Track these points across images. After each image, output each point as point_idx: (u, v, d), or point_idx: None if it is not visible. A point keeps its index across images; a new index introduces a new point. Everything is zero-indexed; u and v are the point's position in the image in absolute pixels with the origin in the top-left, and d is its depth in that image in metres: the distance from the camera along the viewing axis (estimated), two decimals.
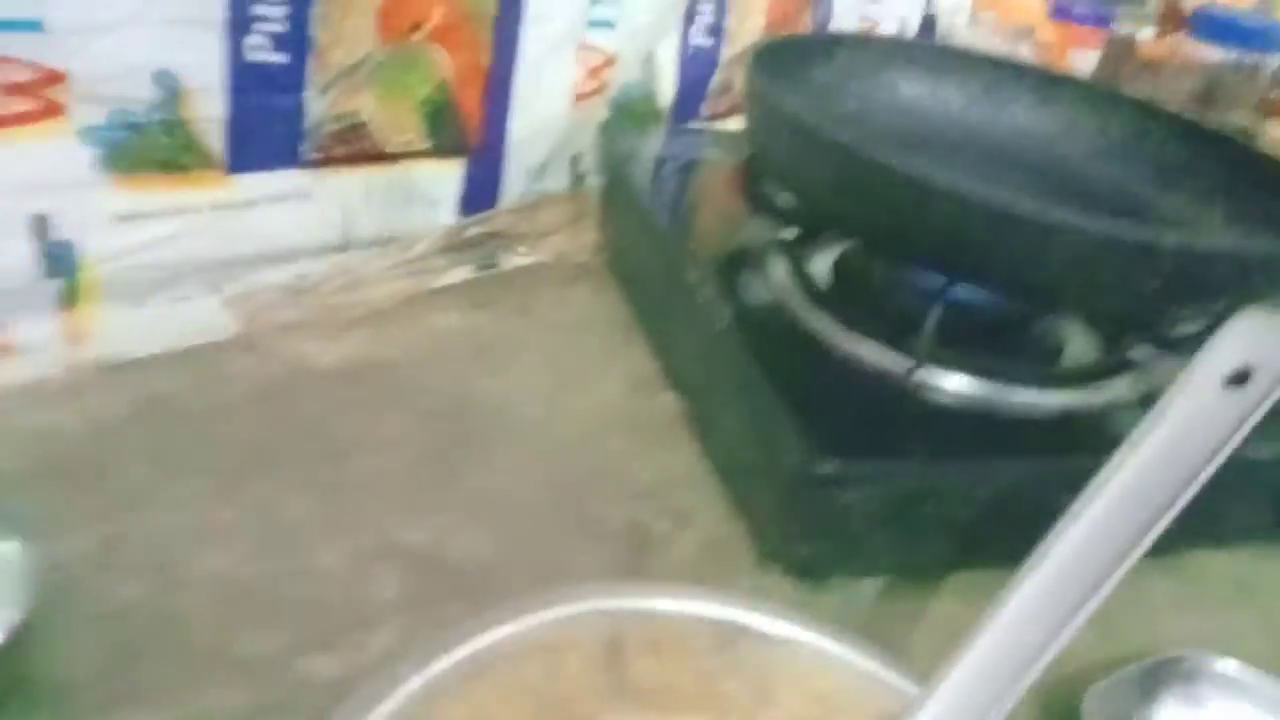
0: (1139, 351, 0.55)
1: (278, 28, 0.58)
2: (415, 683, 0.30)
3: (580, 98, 0.77)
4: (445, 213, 0.73)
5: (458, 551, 0.50)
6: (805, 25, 0.92)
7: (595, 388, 0.64)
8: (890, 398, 0.50)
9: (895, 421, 0.49)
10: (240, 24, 0.56)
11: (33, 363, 0.54)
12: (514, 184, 0.76)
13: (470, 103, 0.70)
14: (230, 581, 0.46)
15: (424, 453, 0.55)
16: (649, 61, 0.82)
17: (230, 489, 0.50)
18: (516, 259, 0.77)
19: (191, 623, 0.44)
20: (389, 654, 0.44)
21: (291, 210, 0.64)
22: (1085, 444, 0.50)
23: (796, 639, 0.37)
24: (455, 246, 0.74)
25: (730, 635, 0.37)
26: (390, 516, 0.51)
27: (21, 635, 0.39)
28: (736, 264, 0.63)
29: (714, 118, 0.89)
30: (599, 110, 0.79)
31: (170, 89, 0.57)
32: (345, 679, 0.43)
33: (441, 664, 0.31)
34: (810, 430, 0.45)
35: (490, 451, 0.56)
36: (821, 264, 0.60)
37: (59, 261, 0.57)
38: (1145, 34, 1.25)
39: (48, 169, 0.55)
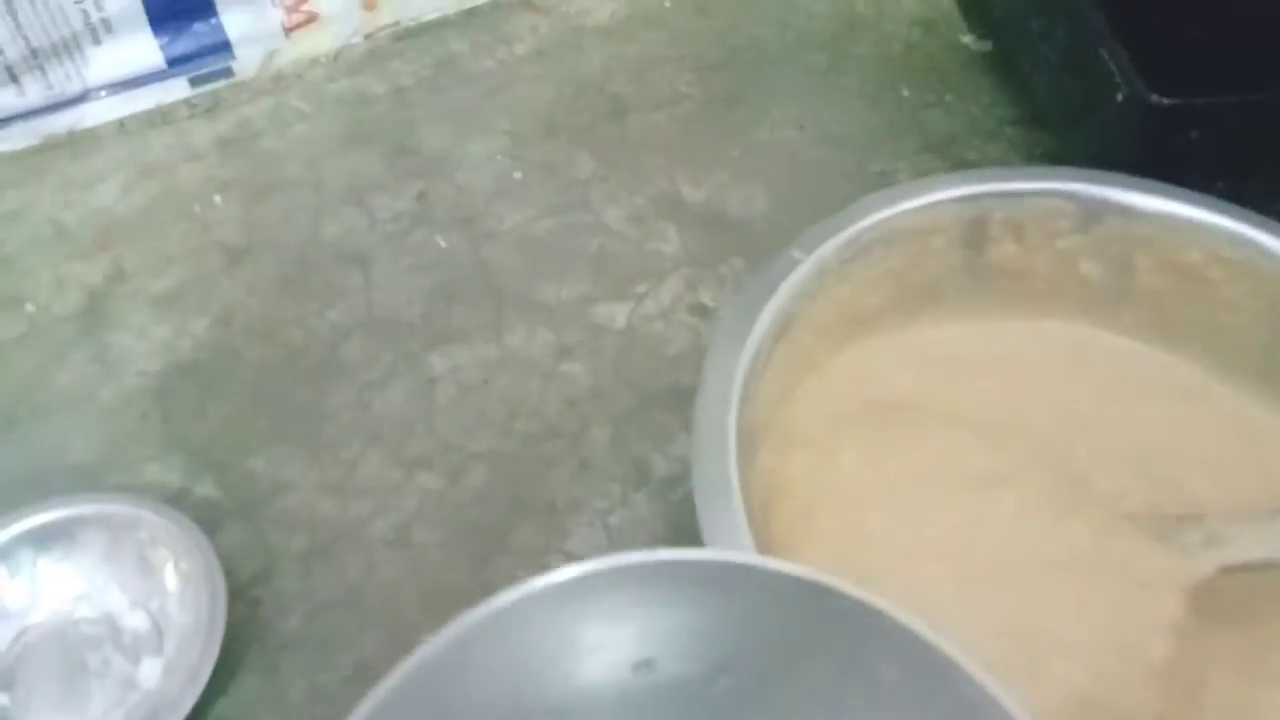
0: None
1: None
2: (807, 264, 0.34)
3: None
4: None
5: (736, 207, 0.50)
6: None
7: (883, 28, 0.58)
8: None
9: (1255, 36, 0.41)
10: None
11: (337, 32, 0.57)
12: None
13: None
14: (528, 235, 0.49)
15: (699, 108, 0.54)
16: None
17: (520, 149, 0.53)
18: None
19: (497, 272, 0.48)
20: (675, 303, 0.46)
21: None
22: None
23: (1166, 212, 0.35)
24: None
25: (1095, 212, 0.36)
26: (669, 174, 0.51)
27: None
28: None
29: None
30: None
31: None
32: (633, 327, 0.46)
33: (826, 248, 0.34)
34: (1144, 57, 0.39)
35: (768, 105, 0.54)
36: None
37: None
38: None
39: None
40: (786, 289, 0.33)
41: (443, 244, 0.49)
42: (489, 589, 0.39)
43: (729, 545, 0.27)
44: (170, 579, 0.37)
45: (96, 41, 0.52)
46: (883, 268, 0.35)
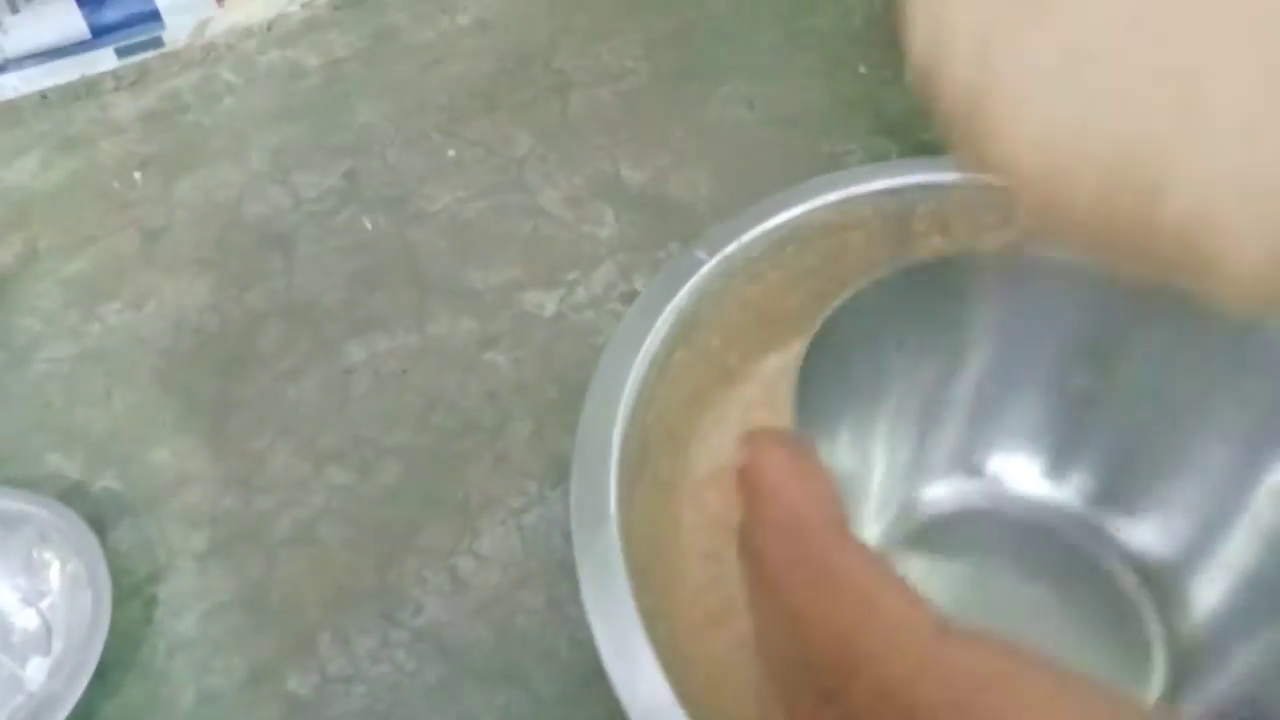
0: None
1: None
2: (711, 264, 0.32)
3: None
4: None
5: (678, 190, 0.48)
6: None
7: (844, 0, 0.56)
8: None
9: None
10: None
11: (272, 1, 0.54)
12: None
13: None
14: (459, 217, 0.47)
15: (646, 84, 0.52)
16: None
17: (456, 125, 0.50)
18: None
19: (423, 256, 0.46)
20: (608, 291, 0.44)
21: None
22: None
23: None
24: None
25: None
26: (610, 154, 0.49)
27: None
28: None
29: None
30: None
31: None
32: (562, 316, 0.44)
33: (732, 247, 0.32)
34: None
35: (718, 82, 0.52)
36: None
37: None
38: None
39: None
40: (687, 290, 0.31)
41: (369, 225, 0.47)
42: (393, 590, 0.38)
43: (602, 568, 0.26)
44: (55, 578, 0.36)
45: (14, 10, 0.50)
46: (797, 266, 0.33)
